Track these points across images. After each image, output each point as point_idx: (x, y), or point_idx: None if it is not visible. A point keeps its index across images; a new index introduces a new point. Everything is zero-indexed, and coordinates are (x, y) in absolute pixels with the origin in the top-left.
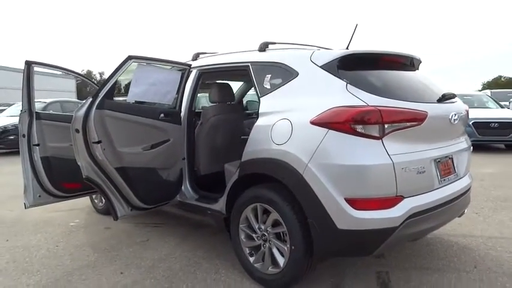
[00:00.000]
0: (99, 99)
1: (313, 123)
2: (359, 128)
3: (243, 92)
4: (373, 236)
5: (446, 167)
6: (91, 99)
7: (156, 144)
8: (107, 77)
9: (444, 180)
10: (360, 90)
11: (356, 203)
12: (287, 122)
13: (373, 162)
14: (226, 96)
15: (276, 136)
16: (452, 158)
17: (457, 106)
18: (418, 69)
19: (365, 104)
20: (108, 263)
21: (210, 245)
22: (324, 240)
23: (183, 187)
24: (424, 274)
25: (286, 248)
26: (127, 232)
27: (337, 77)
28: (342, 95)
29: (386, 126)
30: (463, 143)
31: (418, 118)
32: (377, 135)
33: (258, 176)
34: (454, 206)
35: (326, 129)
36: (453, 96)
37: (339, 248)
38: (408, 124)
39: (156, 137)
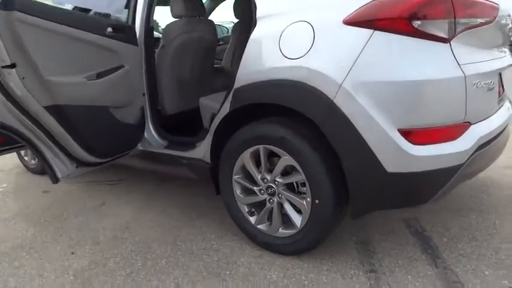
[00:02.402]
0: None
1: (348, 22)
2: (420, 26)
3: (209, 10)
4: (433, 179)
5: (499, 85)
6: None
7: (105, 73)
8: None
9: (499, 101)
10: None
11: (414, 136)
12: (305, 26)
13: (441, 75)
14: (195, 7)
15: (289, 47)
16: (501, 74)
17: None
18: None
19: None
20: (52, 240)
21: (187, 203)
22: (367, 189)
23: (145, 132)
24: (459, 216)
25: (305, 203)
26: (73, 195)
27: None
28: None
29: (458, 22)
30: (509, 56)
31: (492, 13)
32: (445, 36)
33: (260, 108)
34: (504, 135)
35: (370, 31)
36: None
37: (386, 198)
38: (481, 21)
39: (103, 62)
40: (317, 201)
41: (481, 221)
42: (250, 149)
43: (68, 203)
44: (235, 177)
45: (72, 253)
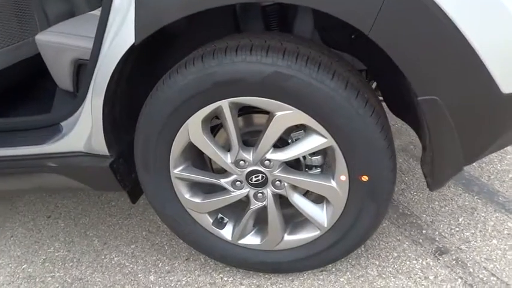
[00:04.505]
0: None
1: None
2: None
3: None
4: None
5: None
6: None
7: None
8: None
9: None
10: None
11: None
12: None
13: None
14: None
15: None
16: None
17: None
18: None
19: None
20: None
21: (70, 231)
22: (464, 133)
23: None
24: None
25: (334, 184)
26: None
27: None
28: None
29: None
30: None
31: None
32: None
33: (209, 20)
34: None
35: None
36: None
37: (491, 141)
38: None
39: None
40: (365, 177)
41: None
42: (202, 113)
43: None
44: (175, 171)
45: None
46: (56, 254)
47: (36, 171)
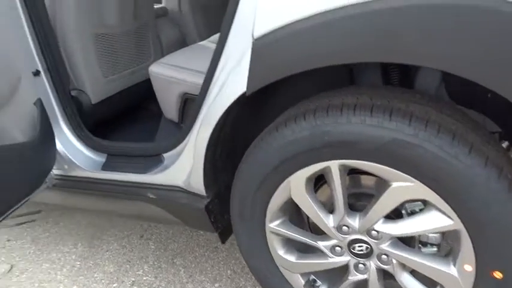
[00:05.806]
0: None
1: None
2: None
3: None
4: None
5: None
6: None
7: None
8: None
9: None
10: None
11: None
12: None
13: None
14: None
15: None
16: None
17: None
18: None
19: None
20: None
21: (159, 255)
22: None
23: (60, 144)
24: None
25: (455, 273)
26: None
27: None
28: None
29: None
30: None
31: None
32: None
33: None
34: None
35: None
36: None
37: None
38: None
39: None
40: (499, 274)
41: None
42: (307, 171)
43: None
44: (271, 225)
45: None
46: (144, 278)
47: (136, 199)
